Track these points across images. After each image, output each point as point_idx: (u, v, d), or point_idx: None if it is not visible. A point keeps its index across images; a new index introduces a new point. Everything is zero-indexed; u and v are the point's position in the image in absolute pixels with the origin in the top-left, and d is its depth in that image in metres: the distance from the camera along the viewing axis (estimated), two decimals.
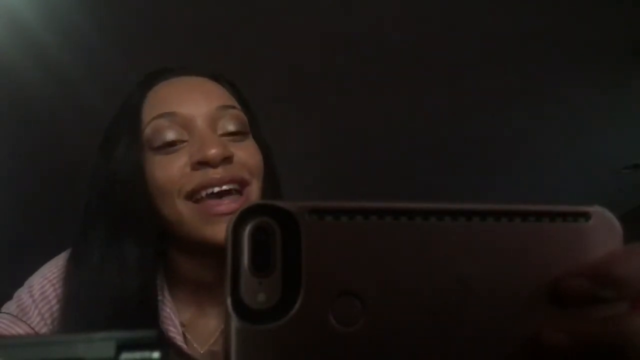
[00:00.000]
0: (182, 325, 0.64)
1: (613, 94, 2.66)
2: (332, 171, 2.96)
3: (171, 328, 0.62)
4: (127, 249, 0.59)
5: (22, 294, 0.63)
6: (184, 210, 0.59)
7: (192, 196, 0.59)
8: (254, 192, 0.62)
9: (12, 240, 2.99)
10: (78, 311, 0.59)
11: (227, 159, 0.59)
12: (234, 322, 0.22)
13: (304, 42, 2.12)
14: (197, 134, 0.60)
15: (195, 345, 0.64)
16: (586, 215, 0.25)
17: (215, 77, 0.67)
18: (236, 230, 0.23)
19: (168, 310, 0.63)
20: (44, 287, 0.62)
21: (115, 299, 0.58)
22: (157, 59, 0.71)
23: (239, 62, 2.05)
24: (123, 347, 0.20)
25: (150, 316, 0.59)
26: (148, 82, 0.66)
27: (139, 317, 0.58)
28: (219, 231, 0.58)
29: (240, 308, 0.22)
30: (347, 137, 2.77)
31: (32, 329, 0.60)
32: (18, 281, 0.65)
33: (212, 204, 0.58)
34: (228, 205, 0.59)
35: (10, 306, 0.63)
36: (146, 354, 0.20)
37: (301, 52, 2.16)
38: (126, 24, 1.92)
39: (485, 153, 3.05)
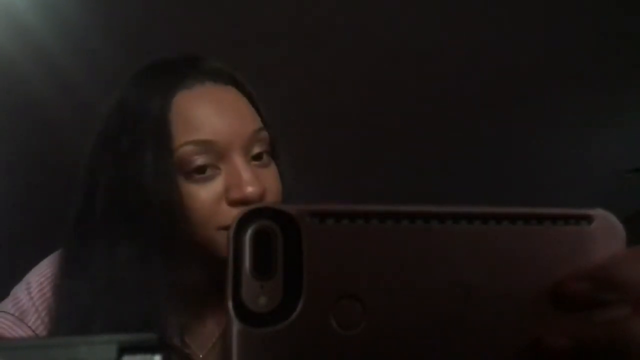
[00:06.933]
0: (180, 328, 0.63)
1: (616, 97, 2.65)
2: (335, 172, 2.96)
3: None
4: (155, 270, 0.58)
5: (19, 293, 0.62)
6: (219, 239, 0.59)
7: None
8: None
9: (12, 240, 2.99)
10: (72, 317, 0.58)
11: (261, 196, 0.59)
12: (235, 326, 0.22)
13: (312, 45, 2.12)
14: (232, 164, 0.59)
15: (193, 349, 0.63)
16: (589, 219, 0.25)
17: (238, 85, 0.65)
18: (237, 233, 0.23)
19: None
20: (42, 284, 0.62)
21: (118, 307, 0.57)
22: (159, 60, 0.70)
23: (241, 63, 2.05)
24: (124, 350, 0.20)
25: (149, 318, 0.58)
26: (168, 88, 0.61)
27: (137, 320, 0.57)
28: None
29: (242, 311, 0.22)
30: (351, 137, 2.77)
31: (33, 331, 0.60)
32: (17, 280, 0.65)
33: None
34: None
35: (7, 305, 0.62)
36: (147, 357, 0.20)
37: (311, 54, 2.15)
38: (127, 24, 1.93)
39: (487, 156, 3.05)
